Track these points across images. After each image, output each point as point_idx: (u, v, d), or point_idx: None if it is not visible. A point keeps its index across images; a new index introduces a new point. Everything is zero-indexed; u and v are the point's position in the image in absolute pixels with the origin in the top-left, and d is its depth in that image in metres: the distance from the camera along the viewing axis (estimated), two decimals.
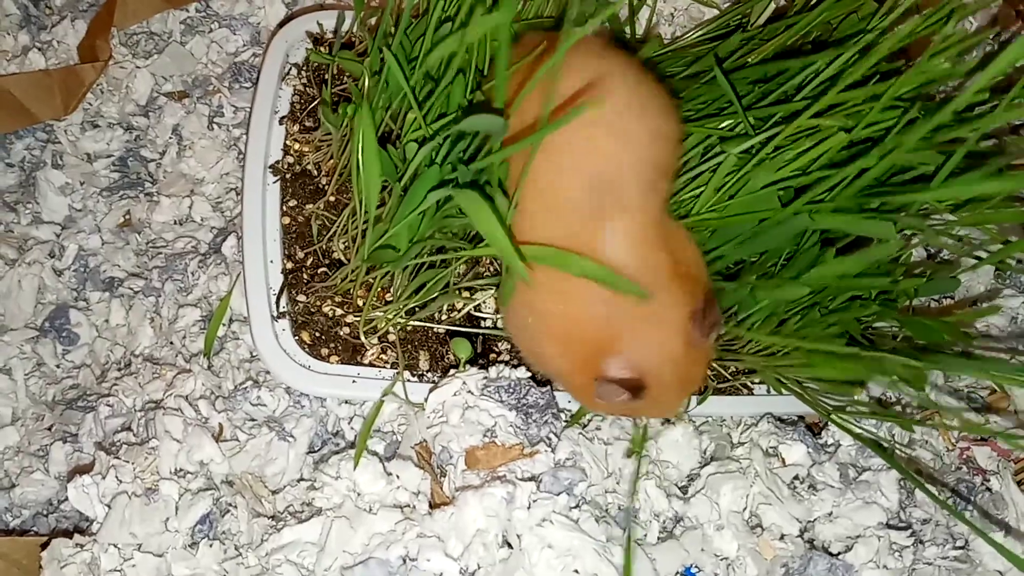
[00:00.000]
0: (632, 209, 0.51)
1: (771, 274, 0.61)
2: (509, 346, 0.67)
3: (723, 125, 0.60)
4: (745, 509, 0.63)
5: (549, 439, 0.60)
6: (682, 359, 0.53)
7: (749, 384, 0.70)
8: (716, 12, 0.80)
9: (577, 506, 0.58)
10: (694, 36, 0.73)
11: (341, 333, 0.65)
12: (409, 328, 0.66)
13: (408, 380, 0.63)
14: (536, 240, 0.51)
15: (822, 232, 0.59)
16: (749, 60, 0.65)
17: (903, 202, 0.50)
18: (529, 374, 0.61)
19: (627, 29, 0.73)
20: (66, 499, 0.64)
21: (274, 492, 0.62)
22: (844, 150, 0.55)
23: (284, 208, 0.69)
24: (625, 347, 0.52)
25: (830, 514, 0.64)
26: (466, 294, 0.67)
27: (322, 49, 0.74)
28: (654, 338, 0.52)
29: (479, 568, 0.55)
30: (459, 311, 0.67)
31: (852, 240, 0.58)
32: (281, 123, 0.72)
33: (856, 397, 0.68)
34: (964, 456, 0.72)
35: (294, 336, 0.64)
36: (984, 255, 0.66)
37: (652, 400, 0.53)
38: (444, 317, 0.67)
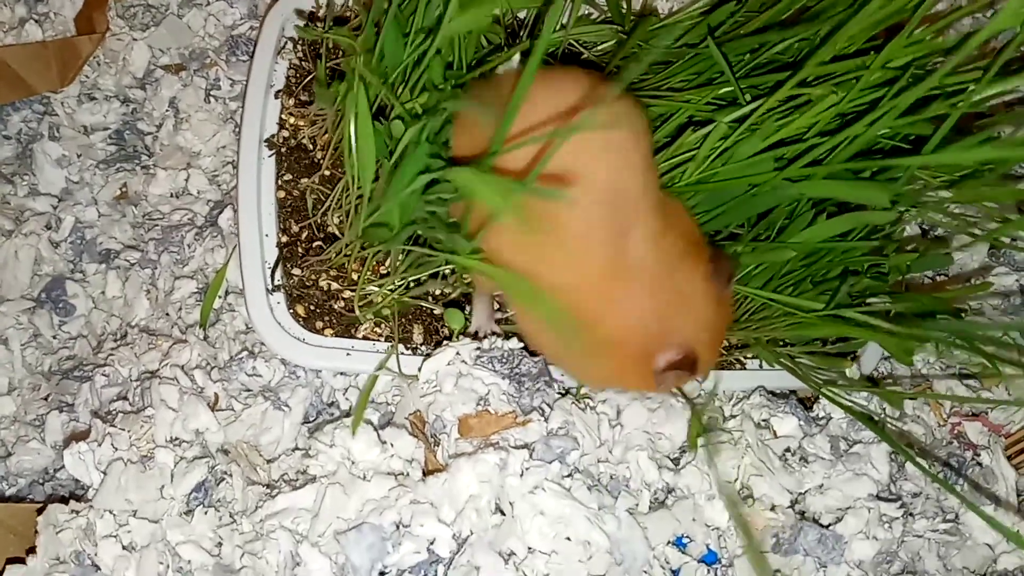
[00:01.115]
0: (643, 211, 0.53)
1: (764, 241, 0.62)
2: (503, 317, 0.67)
3: (718, 94, 0.60)
4: (736, 480, 0.63)
5: (542, 408, 0.61)
6: (714, 319, 0.55)
7: (742, 359, 0.71)
8: None
9: (569, 474, 0.58)
10: (690, 10, 0.72)
11: (336, 307, 0.66)
12: (414, 302, 0.66)
13: (402, 353, 0.64)
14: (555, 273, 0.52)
15: (815, 204, 0.60)
16: (741, 32, 0.65)
17: (894, 171, 0.51)
18: (522, 344, 0.61)
19: (623, 4, 0.73)
20: (62, 468, 0.64)
21: (269, 461, 0.62)
22: (833, 121, 0.55)
23: (279, 182, 0.69)
24: (674, 335, 0.53)
25: (821, 486, 0.64)
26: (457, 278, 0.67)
27: (318, 25, 0.74)
28: (691, 314, 0.54)
29: (472, 534, 0.56)
30: (454, 287, 0.68)
31: (846, 210, 0.59)
32: (277, 97, 0.71)
33: (847, 371, 0.68)
34: (955, 431, 0.73)
35: (289, 309, 0.64)
36: (978, 232, 0.66)
37: (702, 365, 0.55)
38: (438, 292, 0.67)
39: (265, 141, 0.70)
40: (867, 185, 0.50)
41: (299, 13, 0.74)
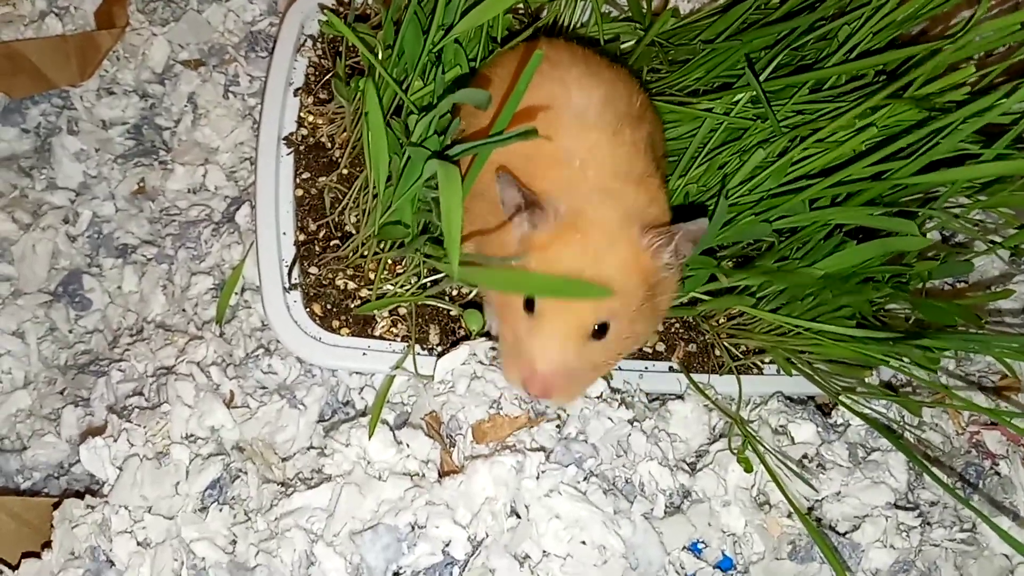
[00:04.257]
0: (601, 128, 0.56)
1: (788, 258, 0.62)
2: None
3: (737, 99, 0.60)
4: (753, 486, 0.63)
5: (559, 414, 0.61)
6: (608, 233, 0.53)
7: (759, 363, 0.70)
8: None
9: (585, 478, 0.58)
10: (708, 8, 0.72)
11: (352, 306, 0.65)
12: (420, 302, 0.66)
13: (418, 353, 0.63)
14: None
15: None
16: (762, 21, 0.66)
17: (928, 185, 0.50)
18: None
19: (643, 3, 0.73)
20: (77, 462, 0.64)
21: (284, 459, 0.62)
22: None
23: (297, 180, 0.69)
24: (546, 176, 0.54)
25: (838, 493, 0.64)
26: None
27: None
28: (587, 190, 0.54)
29: (487, 536, 0.56)
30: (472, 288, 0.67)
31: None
32: (296, 95, 0.71)
33: (866, 378, 0.67)
34: (974, 440, 0.72)
35: (305, 308, 0.64)
36: (999, 239, 0.66)
37: (549, 253, 0.52)
38: (455, 293, 0.67)
39: (284, 139, 0.69)
40: (898, 221, 0.50)
41: (323, 7, 0.74)
